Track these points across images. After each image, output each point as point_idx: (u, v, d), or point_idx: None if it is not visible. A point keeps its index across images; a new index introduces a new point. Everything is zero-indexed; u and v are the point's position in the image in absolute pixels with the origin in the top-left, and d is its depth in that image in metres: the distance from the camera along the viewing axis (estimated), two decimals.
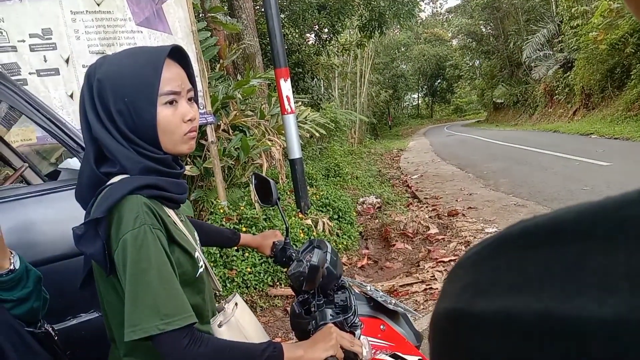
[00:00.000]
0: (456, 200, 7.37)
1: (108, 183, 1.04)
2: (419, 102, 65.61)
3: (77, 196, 1.11)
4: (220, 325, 1.21)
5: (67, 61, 3.68)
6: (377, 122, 33.59)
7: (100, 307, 1.10)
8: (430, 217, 6.17)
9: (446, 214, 6.34)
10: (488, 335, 0.26)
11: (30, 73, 3.55)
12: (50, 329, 1.30)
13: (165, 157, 1.07)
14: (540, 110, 26.20)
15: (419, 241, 5.35)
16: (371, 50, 22.97)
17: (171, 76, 1.04)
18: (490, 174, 9.60)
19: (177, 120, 1.05)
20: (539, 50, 24.33)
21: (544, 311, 0.23)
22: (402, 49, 47.04)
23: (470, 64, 43.31)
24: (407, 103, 62.01)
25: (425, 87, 59.20)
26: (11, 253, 1.21)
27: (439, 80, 57.27)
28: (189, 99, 1.09)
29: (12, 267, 1.19)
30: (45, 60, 3.60)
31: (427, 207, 7.08)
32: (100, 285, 1.06)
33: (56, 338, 1.31)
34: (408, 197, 8.14)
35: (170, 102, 1.04)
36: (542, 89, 25.63)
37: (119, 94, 1.01)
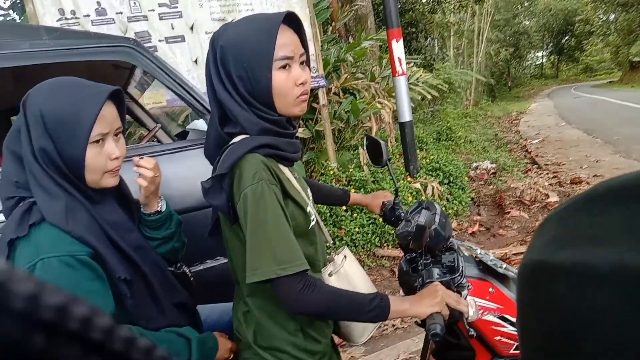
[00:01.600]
0: (580, 168, 6.83)
1: (231, 142, 1.13)
2: (543, 61, 60.61)
3: (205, 153, 1.22)
4: (330, 275, 1.28)
5: (191, 28, 3.93)
6: (496, 82, 31.72)
7: (226, 253, 1.22)
8: (550, 184, 5.80)
9: (568, 182, 5.92)
10: (567, 285, 0.27)
11: (159, 40, 3.85)
12: (187, 271, 1.47)
13: (280, 118, 1.14)
14: None
15: (537, 209, 5.08)
16: (491, 5, 21.55)
17: (285, 42, 1.08)
18: (622, 139, 8.72)
19: (290, 84, 1.10)
20: None
21: (618, 262, 0.24)
22: (526, 4, 43.53)
23: (604, 19, 38.89)
24: (529, 62, 57.67)
25: (551, 44, 54.44)
26: (160, 197, 1.39)
27: (566, 37, 52.25)
28: (301, 63, 1.14)
29: (159, 209, 1.36)
30: (173, 28, 3.88)
31: (547, 174, 6.65)
32: (226, 232, 1.18)
33: (191, 279, 1.49)
34: (526, 163, 7.69)
35: (284, 67, 1.09)
36: None
37: (239, 60, 1.07)
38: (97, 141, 1.12)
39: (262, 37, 1.07)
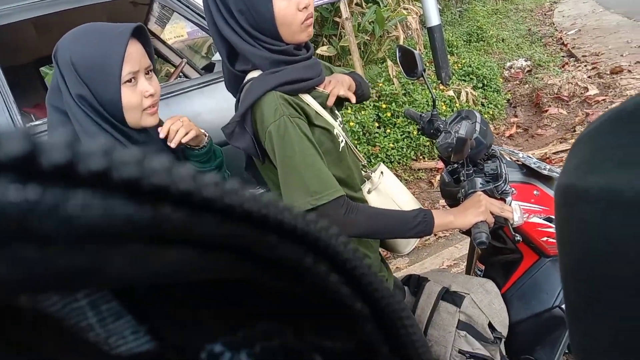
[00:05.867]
0: (621, 55, 6.45)
1: (247, 79, 1.11)
2: None
3: (227, 88, 1.22)
4: (369, 192, 1.27)
5: None
6: None
7: (264, 183, 1.24)
8: (589, 77, 5.54)
9: (608, 72, 5.62)
10: (596, 210, 0.26)
11: None
12: None
13: (288, 47, 1.09)
14: None
15: (576, 104, 4.90)
16: None
17: None
18: None
19: (292, 10, 1.04)
20: None
21: None
22: None
23: None
24: None
25: None
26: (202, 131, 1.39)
27: None
28: None
29: (207, 141, 1.37)
30: None
31: (585, 65, 6.33)
32: (259, 167, 1.19)
33: None
34: (563, 57, 7.31)
35: None
36: None
37: None
38: (129, 80, 1.12)
39: None
